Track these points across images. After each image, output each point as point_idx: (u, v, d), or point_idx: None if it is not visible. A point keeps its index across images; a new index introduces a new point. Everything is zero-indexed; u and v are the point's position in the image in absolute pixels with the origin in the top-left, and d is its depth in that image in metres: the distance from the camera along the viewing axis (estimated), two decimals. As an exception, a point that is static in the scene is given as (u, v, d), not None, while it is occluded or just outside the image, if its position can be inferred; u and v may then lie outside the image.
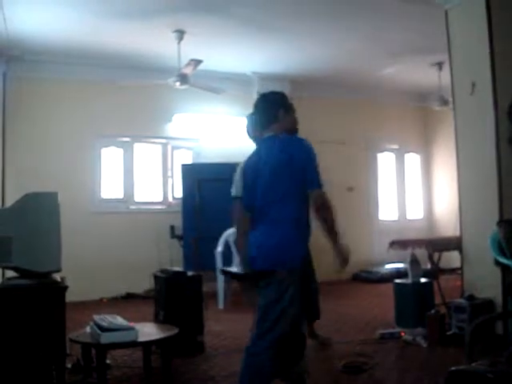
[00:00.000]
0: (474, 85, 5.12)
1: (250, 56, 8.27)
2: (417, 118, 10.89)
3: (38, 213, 3.63)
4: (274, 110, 3.32)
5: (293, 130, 3.49)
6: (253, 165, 3.28)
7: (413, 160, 11.18)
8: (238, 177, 4.40)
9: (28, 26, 6.60)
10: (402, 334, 5.09)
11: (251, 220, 3.22)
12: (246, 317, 5.32)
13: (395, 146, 10.73)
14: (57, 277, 3.74)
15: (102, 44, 7.40)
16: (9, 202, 5.91)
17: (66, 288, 3.62)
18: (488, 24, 4.99)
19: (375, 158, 10.69)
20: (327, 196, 3.04)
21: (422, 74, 9.00)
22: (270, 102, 3.39)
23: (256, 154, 3.33)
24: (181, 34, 6.98)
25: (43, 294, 3.50)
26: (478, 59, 5.13)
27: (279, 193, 3.09)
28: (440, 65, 8.44)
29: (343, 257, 3.03)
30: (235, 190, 4.53)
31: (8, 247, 3.50)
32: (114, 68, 8.15)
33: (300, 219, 3.12)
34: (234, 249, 6.30)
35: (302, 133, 3.58)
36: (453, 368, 2.40)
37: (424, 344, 4.82)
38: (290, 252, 3.06)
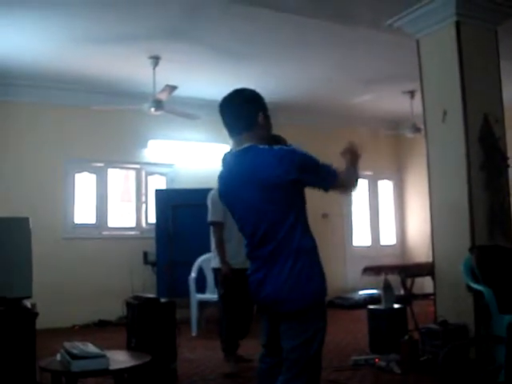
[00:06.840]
0: (445, 112, 5.19)
1: (225, 83, 8.21)
2: (390, 145, 11.01)
3: (9, 238, 3.58)
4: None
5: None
6: None
7: (386, 186, 11.30)
8: None
9: (1, 50, 6.56)
10: (376, 360, 5.08)
11: None
12: (219, 344, 5.30)
13: (369, 173, 10.79)
14: (27, 303, 3.67)
15: (76, 68, 7.37)
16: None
17: (36, 315, 3.55)
18: (458, 53, 5.10)
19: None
20: None
21: (395, 101, 9.12)
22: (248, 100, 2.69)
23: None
24: (156, 60, 7.00)
25: (13, 321, 3.44)
26: (449, 87, 5.22)
27: None
28: (412, 93, 8.57)
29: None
30: None
31: (-23, 273, 3.45)
32: (88, 92, 8.11)
33: None
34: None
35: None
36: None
37: (398, 370, 4.80)
38: None
